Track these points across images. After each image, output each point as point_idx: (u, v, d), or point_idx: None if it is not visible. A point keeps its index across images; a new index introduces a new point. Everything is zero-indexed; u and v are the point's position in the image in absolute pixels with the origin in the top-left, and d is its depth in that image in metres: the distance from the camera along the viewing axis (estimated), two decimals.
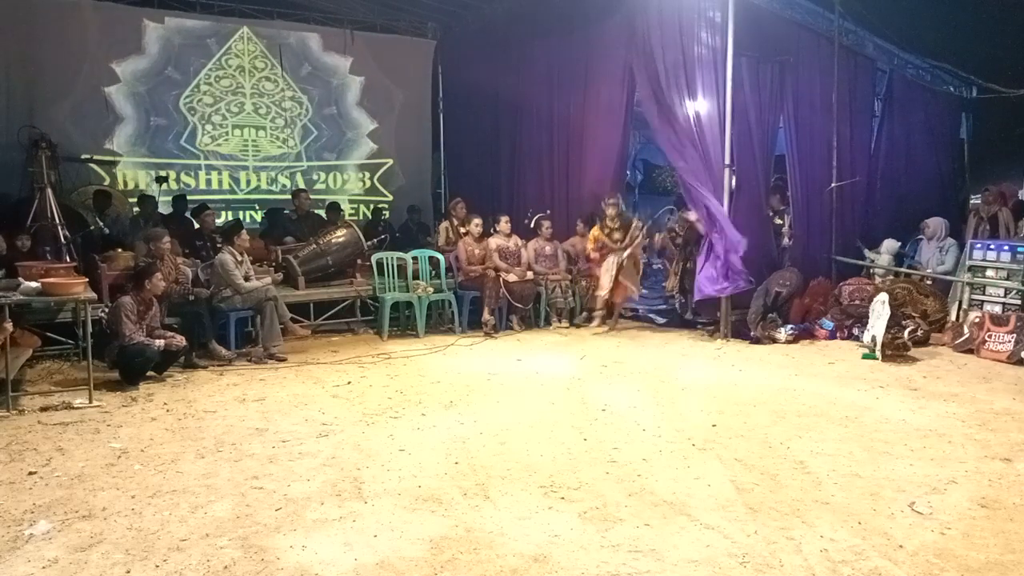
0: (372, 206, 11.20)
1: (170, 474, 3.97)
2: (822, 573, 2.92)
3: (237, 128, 10.41)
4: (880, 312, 6.78)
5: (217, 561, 3.02)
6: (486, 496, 3.67)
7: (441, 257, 8.31)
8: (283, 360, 6.61)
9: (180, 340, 5.98)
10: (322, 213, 9.66)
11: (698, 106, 7.62)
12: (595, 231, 8.09)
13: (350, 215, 10.64)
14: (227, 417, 5.00)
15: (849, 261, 8.47)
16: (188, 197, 9.33)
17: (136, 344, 5.69)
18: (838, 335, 7.46)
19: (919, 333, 6.98)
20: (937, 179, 10.07)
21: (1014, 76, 8.78)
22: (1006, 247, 7.31)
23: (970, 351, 6.87)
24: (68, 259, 6.92)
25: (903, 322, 6.94)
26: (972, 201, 9.75)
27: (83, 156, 9.27)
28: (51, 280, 5.51)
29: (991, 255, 7.35)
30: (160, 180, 9.34)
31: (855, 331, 7.33)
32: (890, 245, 8.46)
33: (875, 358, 6.60)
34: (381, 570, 2.97)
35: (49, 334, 6.50)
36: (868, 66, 9.26)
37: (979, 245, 7.56)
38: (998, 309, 7.08)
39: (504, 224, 8.37)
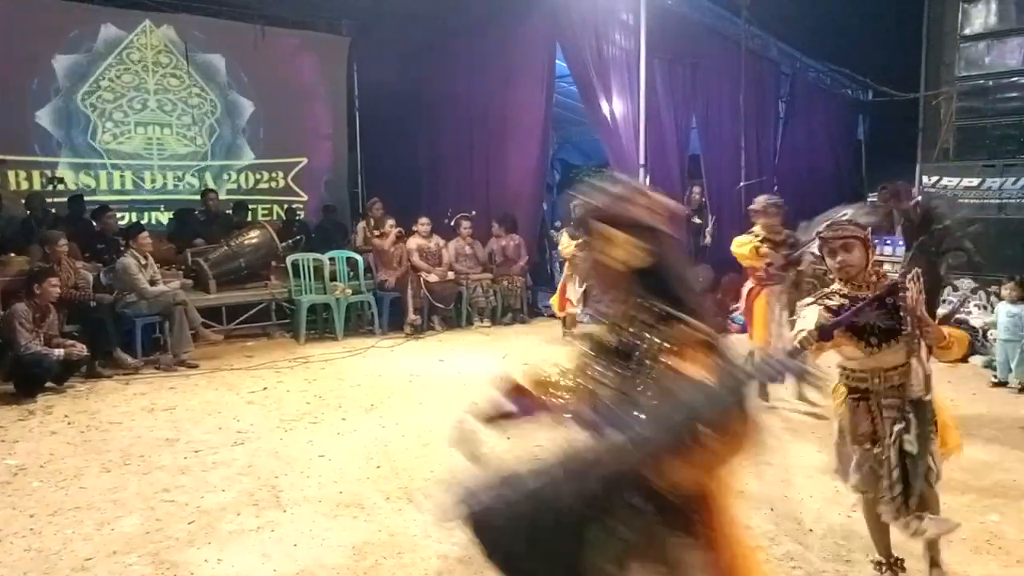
0: (286, 206, 10.90)
1: (73, 490, 3.76)
2: None
3: (140, 126, 9.92)
4: None
5: None
6: (409, 499, 3.63)
7: (359, 258, 8.17)
8: (194, 367, 6.39)
9: (81, 348, 5.74)
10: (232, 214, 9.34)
11: (614, 106, 7.77)
12: (755, 245, 5.21)
13: (263, 215, 10.32)
14: (134, 428, 4.79)
15: None
16: (89, 198, 8.82)
17: (32, 354, 5.41)
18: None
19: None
20: (836, 178, 10.58)
21: (905, 80, 9.30)
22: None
23: None
24: None
25: None
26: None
27: None
28: None
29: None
30: (54, 181, 8.81)
31: None
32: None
33: None
34: None
35: None
36: (773, 69, 9.65)
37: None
38: None
39: (423, 225, 8.28)
